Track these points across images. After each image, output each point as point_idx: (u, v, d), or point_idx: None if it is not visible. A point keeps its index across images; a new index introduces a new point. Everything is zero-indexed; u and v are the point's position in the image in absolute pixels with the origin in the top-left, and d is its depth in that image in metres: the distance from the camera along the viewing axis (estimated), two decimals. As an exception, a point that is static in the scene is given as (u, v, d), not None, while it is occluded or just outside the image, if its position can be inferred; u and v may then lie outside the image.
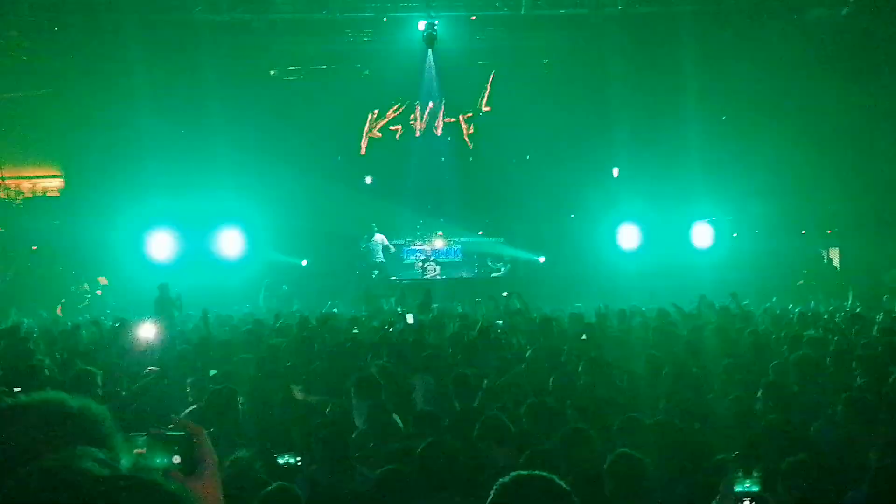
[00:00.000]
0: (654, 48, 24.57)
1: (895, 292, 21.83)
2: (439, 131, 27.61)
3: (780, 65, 24.63)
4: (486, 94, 27.21)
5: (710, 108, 24.62)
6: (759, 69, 24.86)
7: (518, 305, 16.29)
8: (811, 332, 12.99)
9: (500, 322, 14.68)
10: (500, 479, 3.06)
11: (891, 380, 8.40)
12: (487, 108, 27.32)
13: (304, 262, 25.83)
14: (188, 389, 8.92)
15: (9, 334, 13.31)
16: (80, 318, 18.54)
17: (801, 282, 23.31)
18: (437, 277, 25.51)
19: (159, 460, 2.07)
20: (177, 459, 2.08)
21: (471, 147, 27.61)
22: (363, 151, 27.53)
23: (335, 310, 19.25)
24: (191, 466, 2.11)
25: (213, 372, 10.55)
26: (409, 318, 14.77)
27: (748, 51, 24.62)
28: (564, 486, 3.03)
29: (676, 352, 11.04)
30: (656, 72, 24.65)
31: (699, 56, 24.12)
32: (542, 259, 26.27)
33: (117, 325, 14.50)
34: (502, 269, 26.28)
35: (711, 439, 7.07)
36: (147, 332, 12.30)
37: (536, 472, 3.10)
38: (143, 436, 2.13)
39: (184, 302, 18.07)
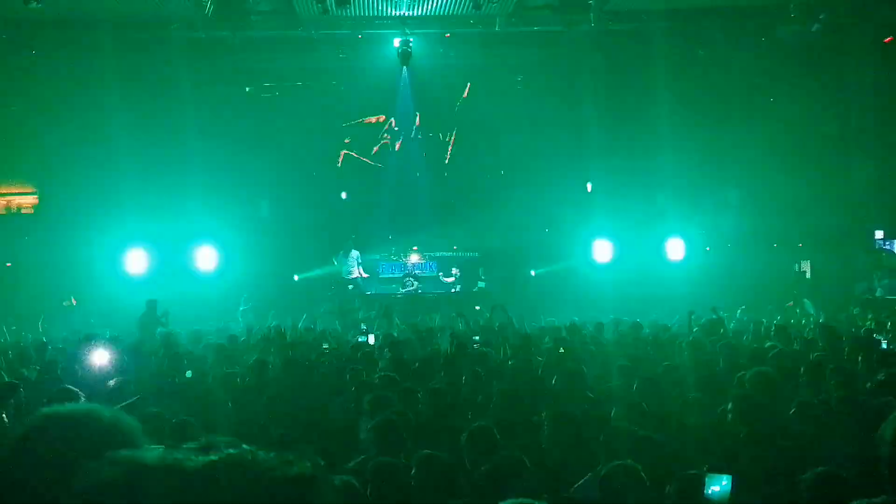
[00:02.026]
0: (627, 65, 24.79)
1: (865, 304, 22.08)
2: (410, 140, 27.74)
3: (751, 81, 24.92)
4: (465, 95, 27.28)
5: (682, 124, 24.81)
6: (730, 86, 25.14)
7: (503, 319, 16.33)
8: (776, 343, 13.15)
9: (477, 338, 14.73)
10: None
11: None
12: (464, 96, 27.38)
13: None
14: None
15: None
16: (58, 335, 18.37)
17: (791, 303, 23.38)
18: (417, 292, 25.60)
19: None
20: None
21: (448, 160, 27.69)
22: (340, 162, 27.53)
23: (315, 324, 19.25)
24: None
25: (188, 374, 10.57)
26: (371, 338, 14.83)
27: (719, 67, 24.90)
28: None
29: (649, 363, 11.18)
30: (629, 88, 24.87)
31: (671, 73, 24.33)
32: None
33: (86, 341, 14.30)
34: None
35: (685, 450, 7.18)
36: (101, 357, 12.08)
37: (528, 500, 3.11)
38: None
39: (169, 319, 17.97)
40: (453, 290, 26.02)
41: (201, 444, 1.50)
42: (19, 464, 1.91)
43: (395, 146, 27.67)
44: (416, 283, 25.83)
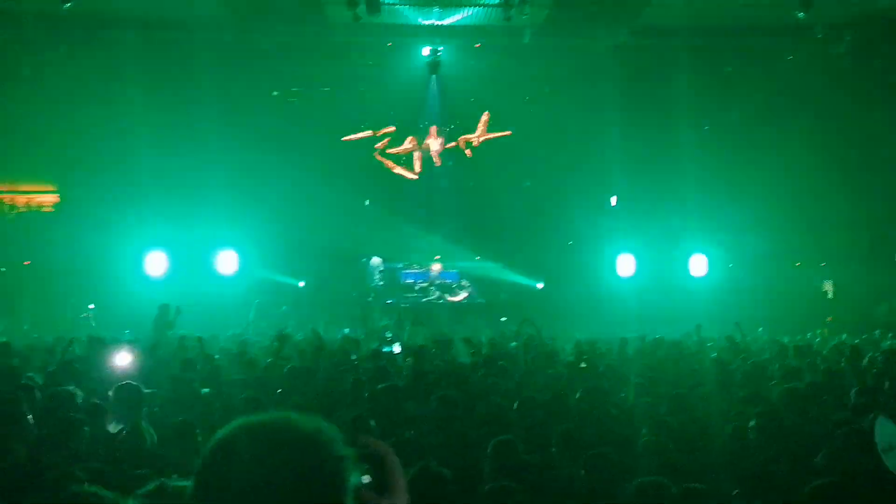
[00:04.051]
0: (655, 80, 24.68)
1: (887, 326, 21.86)
2: (437, 160, 27.69)
3: (776, 99, 24.79)
4: (480, 129, 27.30)
5: (707, 140, 24.74)
6: (755, 103, 25.02)
7: (531, 331, 16.24)
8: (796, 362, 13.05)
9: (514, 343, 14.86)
10: None
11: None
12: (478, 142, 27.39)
13: (301, 284, 25.74)
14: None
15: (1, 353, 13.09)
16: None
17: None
18: (439, 301, 25.53)
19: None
20: (366, 479, 2.03)
21: (469, 154, 27.58)
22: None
23: (346, 330, 19.20)
24: (381, 486, 2.08)
25: (204, 391, 10.50)
26: (396, 348, 14.76)
27: (745, 85, 24.79)
28: None
29: (674, 381, 11.11)
30: (656, 103, 24.75)
31: (697, 89, 24.26)
32: (540, 286, 26.21)
33: (99, 343, 14.27)
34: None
35: (710, 471, 7.08)
36: (123, 358, 12.07)
37: None
38: None
39: (181, 319, 17.87)
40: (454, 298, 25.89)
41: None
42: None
43: (430, 158, 27.59)
44: (437, 292, 25.73)
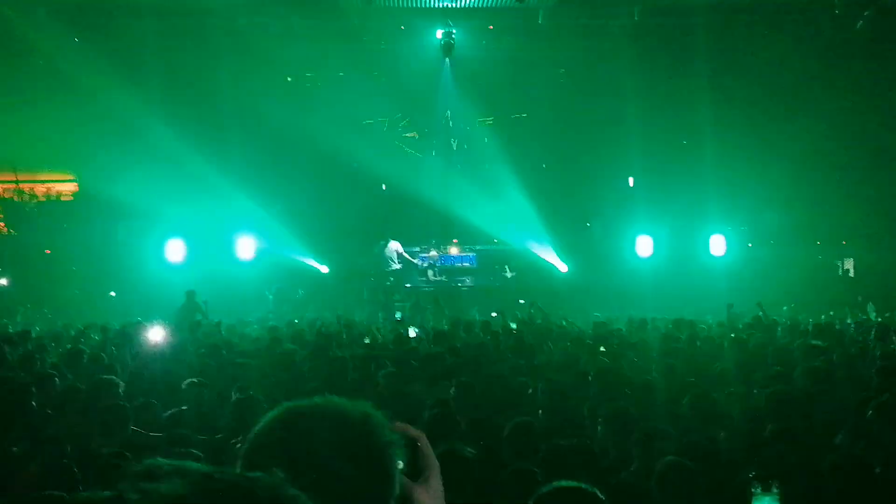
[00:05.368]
0: (670, 59, 24.50)
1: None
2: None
3: (795, 77, 24.59)
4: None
5: (725, 119, 24.56)
6: (773, 81, 24.82)
7: (540, 315, 16.25)
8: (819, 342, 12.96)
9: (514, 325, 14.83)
10: (539, 490, 3.02)
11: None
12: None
13: (325, 269, 25.74)
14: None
15: (20, 341, 13.12)
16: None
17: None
18: (441, 283, 25.47)
19: None
20: (399, 465, 2.01)
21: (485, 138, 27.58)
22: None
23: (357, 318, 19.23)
24: (415, 473, 2.06)
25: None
26: (412, 332, 14.75)
27: (763, 62, 24.59)
28: (601, 496, 2.99)
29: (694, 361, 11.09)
30: (672, 82, 24.59)
31: (714, 67, 24.09)
32: (564, 268, 26.10)
33: (130, 327, 14.36)
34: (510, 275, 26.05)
35: (732, 451, 7.07)
36: (156, 335, 12.16)
37: (576, 483, 3.05)
38: None
39: (209, 309, 17.93)
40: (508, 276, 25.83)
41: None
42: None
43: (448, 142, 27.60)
44: (439, 275, 25.66)
